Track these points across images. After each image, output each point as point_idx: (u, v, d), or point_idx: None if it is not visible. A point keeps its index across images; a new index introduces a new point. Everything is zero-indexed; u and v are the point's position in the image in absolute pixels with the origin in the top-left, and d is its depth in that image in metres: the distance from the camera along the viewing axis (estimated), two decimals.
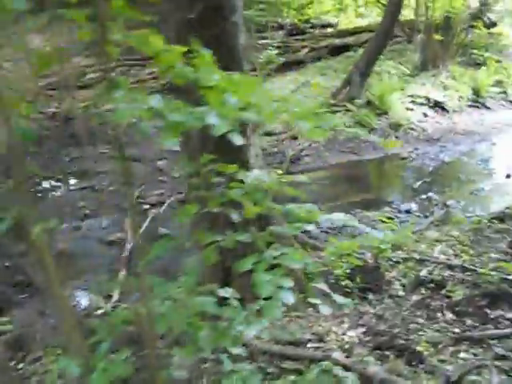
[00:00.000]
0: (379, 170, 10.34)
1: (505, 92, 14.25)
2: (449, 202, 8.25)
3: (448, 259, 5.62)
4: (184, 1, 4.18)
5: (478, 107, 13.64)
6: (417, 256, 5.63)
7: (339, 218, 2.53)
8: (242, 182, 2.22)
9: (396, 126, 11.84)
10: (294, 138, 11.31)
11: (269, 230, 2.26)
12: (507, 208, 7.08)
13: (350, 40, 17.19)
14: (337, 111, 12.08)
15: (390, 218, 7.71)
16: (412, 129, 11.95)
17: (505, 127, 12.16)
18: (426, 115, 12.73)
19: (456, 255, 5.72)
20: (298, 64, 16.89)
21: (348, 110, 12.00)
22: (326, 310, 2.70)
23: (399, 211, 8.06)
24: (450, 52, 14.71)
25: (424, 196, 8.58)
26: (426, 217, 7.76)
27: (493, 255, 5.74)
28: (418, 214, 7.93)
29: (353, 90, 12.28)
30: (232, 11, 4.28)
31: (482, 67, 14.53)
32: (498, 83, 14.35)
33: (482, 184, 8.99)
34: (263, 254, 2.07)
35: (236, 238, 2.22)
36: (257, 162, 4.64)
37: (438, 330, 4.39)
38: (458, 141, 11.29)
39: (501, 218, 6.83)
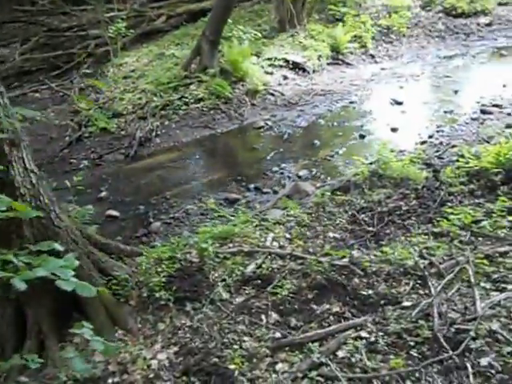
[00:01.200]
0: (232, 144, 9.73)
1: (364, 46, 14.01)
2: (301, 173, 7.79)
3: (281, 246, 5.11)
4: None
5: (338, 64, 13.29)
6: (247, 248, 5.07)
7: None
8: None
9: (253, 93, 11.25)
10: (143, 118, 10.50)
11: None
12: (356, 174, 6.69)
13: (207, 4, 16.32)
14: (190, 83, 11.34)
15: (235, 200, 7.17)
16: (271, 94, 11.40)
17: (364, 83, 11.88)
18: (285, 78, 12.20)
19: (291, 240, 5.21)
20: (156, 33, 15.99)
21: (201, 81, 11.27)
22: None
23: (248, 189, 7.50)
24: (305, 10, 14.25)
25: (276, 168, 8.07)
26: (276, 192, 7.25)
27: (331, 234, 5.30)
28: (267, 190, 7.40)
29: (204, 59, 11.52)
30: None
31: (340, 23, 14.19)
32: (357, 38, 14.08)
33: (337, 147, 8.61)
34: None
35: None
36: (26, 178, 3.85)
37: (258, 338, 3.86)
38: (316, 102, 10.86)
39: (347, 187, 6.45)
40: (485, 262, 4.29)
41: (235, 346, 3.77)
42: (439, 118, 9.40)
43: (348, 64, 13.35)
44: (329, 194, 6.20)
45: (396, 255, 4.56)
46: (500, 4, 16.41)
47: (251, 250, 4.98)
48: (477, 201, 5.52)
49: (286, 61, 12.61)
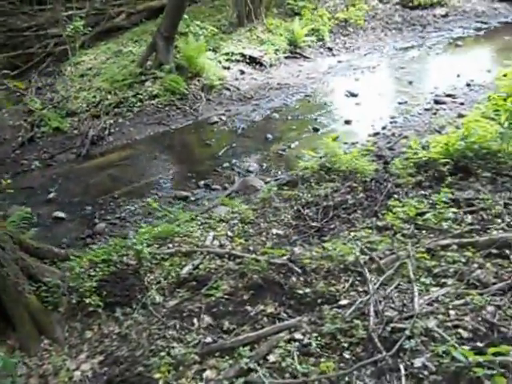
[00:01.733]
0: (185, 140, 9.51)
1: (322, 39, 13.88)
2: (252, 168, 7.63)
3: (221, 245, 4.92)
4: None
5: (296, 58, 13.14)
6: (185, 248, 4.87)
7: None
8: None
9: (209, 88, 11.03)
10: (96, 116, 10.23)
11: None
12: (305, 168, 6.54)
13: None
14: (145, 80, 11.08)
15: (184, 198, 6.97)
16: (227, 88, 11.20)
17: (321, 76, 11.76)
18: (242, 72, 12.02)
19: (232, 238, 5.03)
20: (117, 31, 15.60)
21: (157, 78, 11.02)
22: None
23: (198, 186, 7.31)
24: (263, 4, 14.07)
25: (227, 164, 7.89)
26: (226, 189, 7.07)
27: (274, 231, 5.13)
28: (216, 186, 7.21)
29: (159, 56, 11.26)
30: None
31: (297, 17, 14.05)
32: (315, 31, 13.95)
33: (290, 141, 8.47)
34: None
35: None
36: None
37: (188, 343, 3.67)
38: (272, 96, 10.71)
39: (296, 181, 6.30)
40: (426, 256, 4.16)
41: (162, 354, 3.57)
42: (393, 109, 9.33)
43: (305, 57, 13.22)
44: (275, 189, 6.04)
45: (337, 251, 4.39)
46: None
47: (190, 250, 4.79)
48: (423, 192, 5.41)
49: (243, 55, 12.44)
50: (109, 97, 10.68)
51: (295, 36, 13.32)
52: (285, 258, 4.40)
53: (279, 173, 7.29)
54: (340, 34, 14.55)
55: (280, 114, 9.81)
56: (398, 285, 3.93)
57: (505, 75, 7.71)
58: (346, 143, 7.44)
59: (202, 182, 7.35)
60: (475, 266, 4.03)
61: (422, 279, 3.94)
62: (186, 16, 12.20)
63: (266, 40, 13.08)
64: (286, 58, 13.00)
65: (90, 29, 13.71)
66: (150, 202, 6.24)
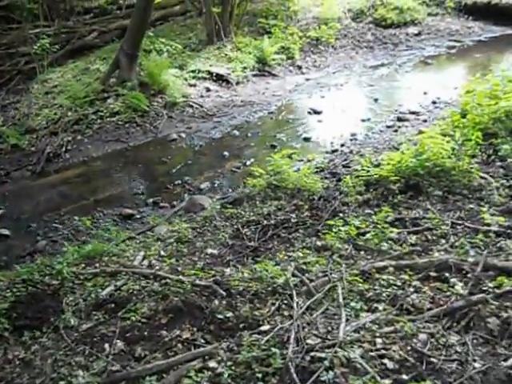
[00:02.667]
0: (142, 157, 9.21)
1: (292, 58, 13.76)
2: (203, 186, 7.39)
3: (150, 265, 4.65)
4: None
5: (264, 76, 13.00)
6: (111, 268, 4.59)
7: None
8: None
9: (172, 105, 10.81)
10: (55, 133, 9.97)
11: None
12: (253, 186, 6.29)
13: None
14: (107, 97, 10.84)
15: (130, 216, 6.70)
16: (190, 106, 10.99)
17: (287, 93, 11.60)
18: (208, 90, 11.83)
19: (163, 258, 4.76)
20: (89, 49, 15.36)
21: (119, 95, 10.79)
22: None
23: (146, 204, 7.05)
24: (233, 23, 13.97)
25: (179, 181, 7.65)
26: (174, 207, 6.81)
27: (209, 250, 4.87)
28: (164, 204, 6.96)
29: (122, 73, 11.06)
30: None
31: (267, 36, 13.96)
32: (285, 50, 13.84)
33: (246, 159, 8.25)
34: None
35: None
36: None
37: (94, 371, 3.37)
38: (235, 114, 10.51)
39: (241, 199, 6.06)
40: (359, 278, 3.90)
41: (63, 382, 3.27)
42: (355, 126, 9.14)
43: (274, 75, 13.09)
44: (218, 207, 5.79)
45: (268, 272, 4.13)
46: (430, 14, 16.48)
47: (115, 271, 4.49)
48: (369, 211, 5.18)
49: (210, 73, 12.29)
50: (69, 114, 10.46)
51: (264, 54, 13.20)
52: (210, 279, 4.13)
53: (230, 190, 7.05)
54: (311, 52, 14.47)
55: (240, 131, 9.61)
56: (326, 309, 3.65)
57: (468, 92, 7.59)
58: (301, 160, 7.22)
59: (151, 200, 7.10)
60: (411, 289, 3.78)
61: (353, 304, 3.66)
62: (150, 33, 12.06)
63: (234, 58, 12.95)
64: (253, 75, 12.86)
65: (57, 47, 13.47)
66: (83, 221, 5.96)
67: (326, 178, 6.41)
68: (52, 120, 10.36)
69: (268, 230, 5.07)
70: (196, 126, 10.09)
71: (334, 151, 7.90)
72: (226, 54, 13.07)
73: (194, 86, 11.88)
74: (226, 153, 8.56)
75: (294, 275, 4.09)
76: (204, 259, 4.70)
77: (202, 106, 10.90)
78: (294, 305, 3.65)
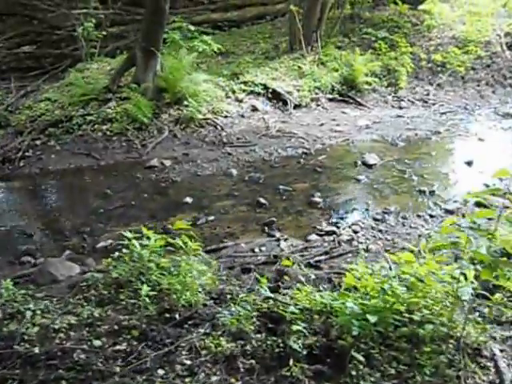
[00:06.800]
0: (93, 183, 6.58)
1: (395, 85, 10.27)
2: (101, 244, 4.69)
3: None
4: None
5: (345, 102, 9.65)
6: None
7: None
8: None
9: (187, 121, 8.00)
10: (20, 133, 7.74)
11: None
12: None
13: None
14: (109, 99, 8.32)
15: None
16: (212, 126, 8.10)
17: (352, 131, 8.12)
18: (254, 109, 8.84)
19: None
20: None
21: (125, 98, 8.21)
22: None
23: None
24: (321, 29, 10.78)
25: (88, 229, 5.10)
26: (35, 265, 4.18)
27: None
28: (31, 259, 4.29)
29: (138, 72, 8.56)
30: None
31: (371, 51, 10.62)
32: (388, 73, 10.40)
33: (208, 214, 5.24)
34: None
35: None
36: None
37: None
38: (256, 146, 7.42)
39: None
40: None
41: None
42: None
43: (359, 104, 9.72)
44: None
45: None
46: None
47: None
48: None
49: (266, 88, 9.27)
50: (56, 112, 8.13)
51: (354, 74, 9.88)
52: None
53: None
54: (426, 80, 10.78)
55: (241, 172, 6.59)
56: None
57: None
58: None
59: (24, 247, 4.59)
60: None
61: None
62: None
63: (308, 73, 9.83)
64: (329, 99, 9.63)
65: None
66: None
67: None
68: (32, 117, 8.11)
69: None
70: (196, 153, 7.24)
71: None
72: (300, 67, 9.95)
73: (241, 101, 8.97)
74: (188, 199, 5.64)
75: None
76: None
77: (222, 129, 7.94)
78: None
